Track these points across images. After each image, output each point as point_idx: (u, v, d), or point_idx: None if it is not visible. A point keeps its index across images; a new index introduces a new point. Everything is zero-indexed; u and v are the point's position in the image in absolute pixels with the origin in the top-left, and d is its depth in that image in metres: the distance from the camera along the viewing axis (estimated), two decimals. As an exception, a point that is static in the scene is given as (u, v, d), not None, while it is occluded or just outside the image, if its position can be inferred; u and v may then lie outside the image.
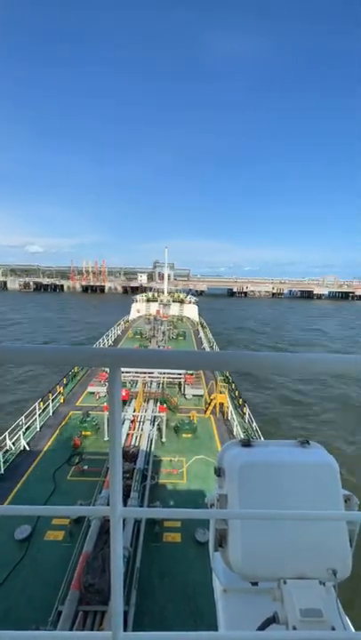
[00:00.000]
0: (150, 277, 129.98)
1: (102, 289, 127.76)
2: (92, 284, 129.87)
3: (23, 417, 13.97)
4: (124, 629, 0.99)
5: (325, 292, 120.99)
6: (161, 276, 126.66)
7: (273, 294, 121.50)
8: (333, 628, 1.33)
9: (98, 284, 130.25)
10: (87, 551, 7.52)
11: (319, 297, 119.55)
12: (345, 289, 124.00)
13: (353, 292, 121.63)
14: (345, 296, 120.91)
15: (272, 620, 1.37)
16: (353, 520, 1.56)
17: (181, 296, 51.71)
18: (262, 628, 1.39)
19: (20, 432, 13.04)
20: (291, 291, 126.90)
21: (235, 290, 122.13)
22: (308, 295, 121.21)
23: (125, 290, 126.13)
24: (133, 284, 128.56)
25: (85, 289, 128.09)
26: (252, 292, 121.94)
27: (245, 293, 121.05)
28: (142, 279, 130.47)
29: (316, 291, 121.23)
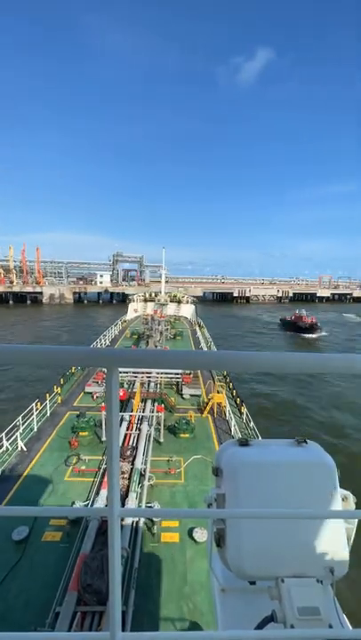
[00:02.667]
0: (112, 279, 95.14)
1: (36, 297, 79.99)
2: (17, 289, 77.41)
3: (20, 417, 13.92)
4: (123, 630, 0.99)
5: (328, 294, 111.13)
6: (125, 277, 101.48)
7: (279, 299, 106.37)
8: (331, 626, 1.34)
9: (29, 289, 79.37)
10: (85, 552, 7.50)
11: (321, 300, 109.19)
12: (341, 290, 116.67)
13: (351, 294, 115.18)
14: (342, 298, 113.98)
15: (270, 619, 1.38)
16: (350, 519, 1.57)
17: (178, 296, 51.79)
18: (260, 626, 1.40)
19: (17, 433, 12.98)
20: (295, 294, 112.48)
21: (235, 294, 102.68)
22: (310, 298, 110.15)
23: (79, 297, 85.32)
24: (92, 289, 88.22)
25: (3, 297, 76.50)
26: (256, 296, 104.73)
27: (248, 299, 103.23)
28: (103, 281, 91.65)
29: (320, 293, 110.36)
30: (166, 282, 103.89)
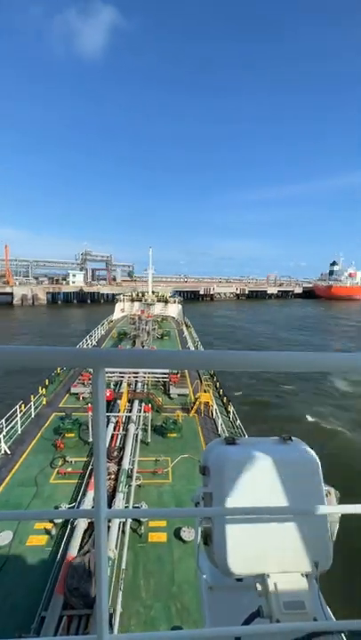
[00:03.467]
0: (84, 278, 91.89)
1: (6, 299, 74.29)
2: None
3: (3, 420, 13.60)
4: (110, 632, 0.98)
5: (275, 291, 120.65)
6: (94, 276, 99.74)
7: (237, 296, 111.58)
8: (315, 619, 1.37)
9: (-1, 289, 72.71)
10: (71, 555, 7.41)
11: (270, 296, 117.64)
12: (285, 287, 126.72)
13: (292, 291, 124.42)
14: (285, 295, 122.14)
15: (256, 615, 1.40)
16: (333, 513, 1.60)
17: (166, 295, 51.79)
18: (247, 622, 1.42)
19: (1, 435, 12.69)
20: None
21: (201, 292, 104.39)
22: (262, 295, 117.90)
23: (54, 298, 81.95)
24: (66, 288, 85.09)
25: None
26: (219, 294, 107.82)
27: (212, 296, 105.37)
28: (76, 280, 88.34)
29: (269, 290, 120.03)
30: (135, 280, 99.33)
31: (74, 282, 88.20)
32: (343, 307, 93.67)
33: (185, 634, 1.06)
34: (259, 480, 1.59)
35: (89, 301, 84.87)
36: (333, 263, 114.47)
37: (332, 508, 1.58)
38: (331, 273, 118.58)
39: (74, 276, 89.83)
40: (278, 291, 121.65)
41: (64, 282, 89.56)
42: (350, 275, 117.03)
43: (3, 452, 12.26)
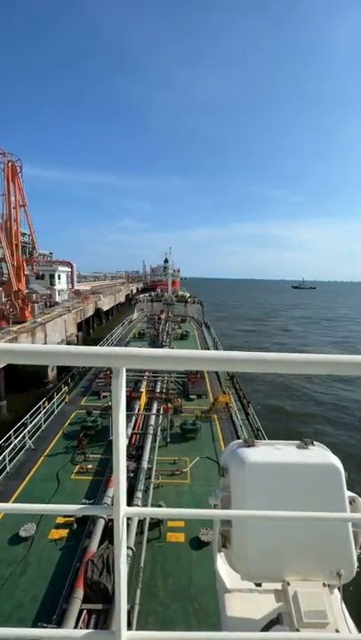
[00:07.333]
0: None
1: None
2: None
3: (28, 416, 14.07)
4: (128, 628, 0.99)
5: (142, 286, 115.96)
6: None
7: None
8: (338, 631, 1.32)
9: None
10: (91, 550, 7.55)
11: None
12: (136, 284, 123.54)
13: (139, 287, 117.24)
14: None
15: (276, 622, 1.37)
16: (358, 522, 1.55)
17: (185, 296, 51.87)
18: (266, 628, 1.39)
19: (25, 431, 13.13)
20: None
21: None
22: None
23: None
24: None
25: None
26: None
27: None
28: None
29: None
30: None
31: None
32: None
33: (203, 636, 1.05)
34: (278, 484, 1.56)
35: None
36: (166, 261, 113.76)
37: (356, 517, 1.53)
38: (165, 269, 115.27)
39: None
40: (136, 288, 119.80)
41: None
42: (177, 271, 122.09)
43: (27, 446, 12.68)
